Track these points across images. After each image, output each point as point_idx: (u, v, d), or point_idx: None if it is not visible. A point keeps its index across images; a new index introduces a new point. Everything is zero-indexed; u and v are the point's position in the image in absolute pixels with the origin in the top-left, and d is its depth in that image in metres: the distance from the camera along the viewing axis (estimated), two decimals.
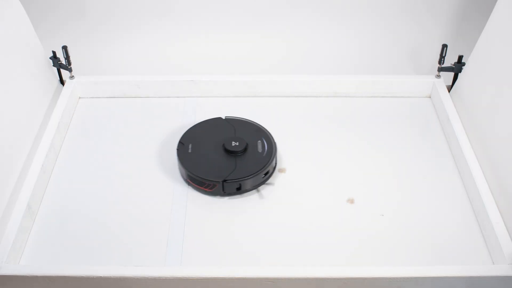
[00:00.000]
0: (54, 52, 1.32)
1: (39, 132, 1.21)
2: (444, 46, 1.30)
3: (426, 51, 1.51)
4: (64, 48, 1.30)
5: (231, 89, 1.36)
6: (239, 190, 1.11)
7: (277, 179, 1.16)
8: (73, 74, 1.35)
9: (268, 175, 1.13)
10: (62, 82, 1.37)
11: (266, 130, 1.20)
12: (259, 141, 1.17)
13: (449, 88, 1.34)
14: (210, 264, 1.00)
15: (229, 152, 1.14)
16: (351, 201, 1.11)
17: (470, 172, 1.12)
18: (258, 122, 1.23)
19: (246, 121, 1.23)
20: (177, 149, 1.16)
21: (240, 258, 1.01)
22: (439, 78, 1.35)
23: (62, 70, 1.36)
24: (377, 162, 1.19)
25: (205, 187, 1.11)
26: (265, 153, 1.14)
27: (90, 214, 1.09)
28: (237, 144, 1.15)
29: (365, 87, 1.35)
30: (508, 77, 1.12)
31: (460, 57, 1.30)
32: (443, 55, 1.31)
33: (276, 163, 1.17)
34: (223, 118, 1.24)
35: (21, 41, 1.25)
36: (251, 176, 1.10)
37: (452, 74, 1.34)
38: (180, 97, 1.37)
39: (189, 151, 1.15)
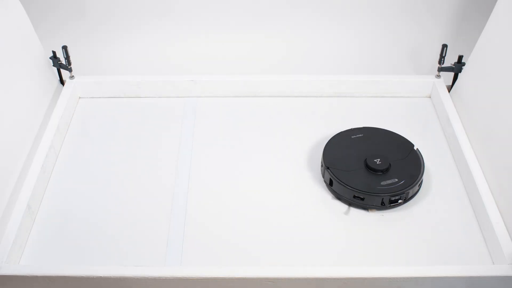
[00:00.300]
0: (54, 52, 1.32)
1: (39, 132, 1.21)
2: (444, 46, 1.30)
3: (426, 51, 1.51)
4: (64, 48, 1.30)
5: (231, 89, 1.36)
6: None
7: (275, 177, 1.16)
8: (73, 74, 1.35)
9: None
10: (62, 82, 1.37)
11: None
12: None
13: (449, 88, 1.34)
14: (210, 264, 1.00)
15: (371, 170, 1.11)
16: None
17: (470, 172, 1.11)
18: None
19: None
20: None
21: (240, 258, 1.01)
22: (439, 78, 1.35)
23: (62, 70, 1.36)
24: None
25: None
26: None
27: (90, 214, 1.09)
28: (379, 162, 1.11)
29: (365, 87, 1.35)
30: (508, 77, 1.12)
31: (460, 57, 1.30)
32: (443, 55, 1.31)
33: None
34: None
35: (21, 41, 1.25)
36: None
37: (452, 74, 1.34)
38: (180, 97, 1.37)
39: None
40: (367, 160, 1.12)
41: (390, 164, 1.12)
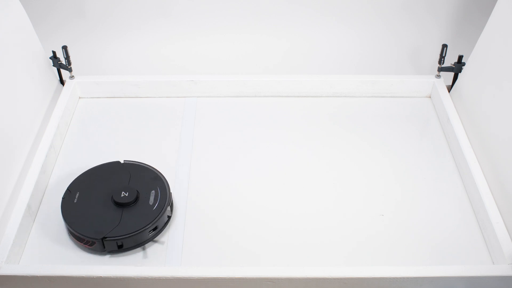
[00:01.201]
0: (54, 52, 1.32)
1: (39, 132, 1.21)
2: (444, 46, 1.30)
3: (426, 51, 1.51)
4: (64, 48, 1.30)
5: (231, 89, 1.36)
6: (121, 248, 1.00)
7: (275, 178, 1.16)
8: (73, 74, 1.35)
9: (156, 231, 1.03)
10: (62, 82, 1.37)
11: (164, 177, 1.10)
12: (153, 191, 1.06)
13: (449, 88, 1.34)
14: (210, 264, 1.00)
15: (117, 204, 1.03)
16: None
17: (470, 172, 1.12)
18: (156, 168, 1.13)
19: (144, 167, 1.12)
20: (63, 198, 1.05)
21: (240, 258, 1.01)
22: (439, 78, 1.35)
23: (62, 70, 1.36)
24: (377, 162, 1.19)
25: (84, 243, 1.00)
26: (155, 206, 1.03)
27: None
28: (126, 194, 1.03)
29: (365, 87, 1.35)
30: (508, 77, 1.12)
31: (460, 57, 1.30)
32: (443, 55, 1.31)
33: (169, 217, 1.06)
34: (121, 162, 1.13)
35: (21, 41, 1.25)
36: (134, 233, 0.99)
37: (452, 74, 1.34)
38: (180, 97, 1.37)
39: (75, 200, 1.05)
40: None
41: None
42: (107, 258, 1.01)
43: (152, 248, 1.03)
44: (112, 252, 1.01)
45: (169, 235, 1.05)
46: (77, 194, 1.06)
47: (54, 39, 1.45)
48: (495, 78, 1.17)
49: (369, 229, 1.06)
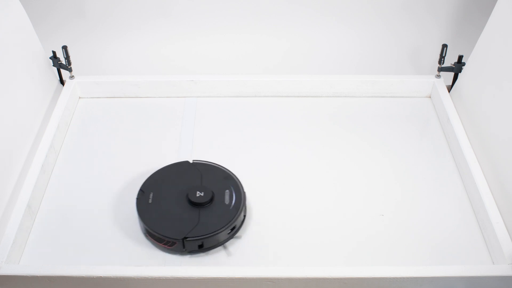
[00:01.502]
0: (54, 52, 1.32)
1: (39, 132, 1.21)
2: (444, 46, 1.30)
3: (426, 51, 1.51)
4: (64, 48, 1.30)
5: (231, 89, 1.36)
6: (201, 247, 1.00)
7: (275, 178, 1.16)
8: (73, 74, 1.35)
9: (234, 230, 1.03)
10: (62, 82, 1.37)
11: (236, 177, 1.10)
12: (227, 190, 1.07)
13: (449, 88, 1.34)
14: (210, 264, 1.00)
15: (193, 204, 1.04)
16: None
17: (470, 172, 1.12)
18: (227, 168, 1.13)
19: (214, 166, 1.12)
20: (137, 199, 1.06)
21: (240, 258, 1.01)
22: (439, 78, 1.35)
23: (62, 70, 1.36)
24: (377, 162, 1.19)
25: (164, 244, 1.01)
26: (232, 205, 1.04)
27: (90, 214, 1.09)
28: (202, 194, 1.04)
29: (365, 87, 1.35)
30: (508, 77, 1.12)
31: (460, 57, 1.30)
32: (443, 55, 1.31)
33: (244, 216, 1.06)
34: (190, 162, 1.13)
35: (21, 41, 1.25)
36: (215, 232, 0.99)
37: (452, 74, 1.34)
38: (180, 97, 1.37)
39: (150, 201, 1.05)
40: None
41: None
42: (107, 258, 1.01)
43: (152, 248, 1.03)
44: (191, 252, 1.01)
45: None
46: (151, 195, 1.06)
47: (54, 39, 1.45)
48: (495, 78, 1.17)
49: (369, 229, 1.06)
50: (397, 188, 1.14)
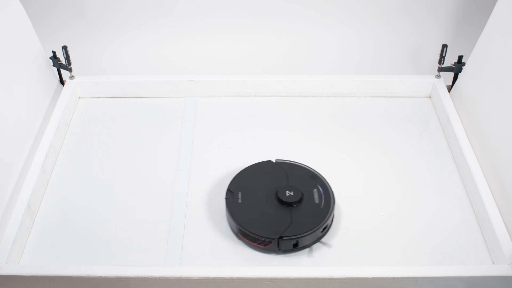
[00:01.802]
0: (54, 52, 1.32)
1: (39, 132, 1.21)
2: (444, 46, 1.30)
3: (426, 51, 1.51)
4: (64, 48, 1.30)
5: (231, 89, 1.36)
6: (295, 246, 1.01)
7: None
8: (73, 74, 1.35)
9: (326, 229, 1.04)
10: (62, 82, 1.37)
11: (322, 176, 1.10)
12: (315, 189, 1.07)
13: (449, 88, 1.34)
14: (210, 264, 1.00)
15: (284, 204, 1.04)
16: None
17: (470, 172, 1.11)
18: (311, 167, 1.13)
19: (299, 166, 1.13)
20: (226, 198, 1.06)
21: (240, 258, 1.01)
22: (439, 78, 1.35)
23: (62, 70, 1.36)
24: (377, 162, 1.19)
25: (258, 244, 1.01)
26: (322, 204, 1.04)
27: (90, 214, 1.09)
28: (291, 193, 1.05)
29: (365, 87, 1.35)
30: (508, 77, 1.12)
31: (460, 57, 1.30)
32: (443, 55, 1.31)
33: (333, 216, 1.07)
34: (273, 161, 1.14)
35: (21, 41, 1.25)
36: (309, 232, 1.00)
37: (452, 74, 1.34)
38: (180, 97, 1.37)
39: (239, 201, 1.06)
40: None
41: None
42: (107, 258, 1.01)
43: (152, 248, 1.03)
44: (286, 251, 1.01)
45: (169, 235, 1.05)
46: (240, 194, 1.06)
47: (54, 39, 1.45)
48: (495, 78, 1.17)
49: (369, 229, 1.06)
50: (397, 188, 1.14)
